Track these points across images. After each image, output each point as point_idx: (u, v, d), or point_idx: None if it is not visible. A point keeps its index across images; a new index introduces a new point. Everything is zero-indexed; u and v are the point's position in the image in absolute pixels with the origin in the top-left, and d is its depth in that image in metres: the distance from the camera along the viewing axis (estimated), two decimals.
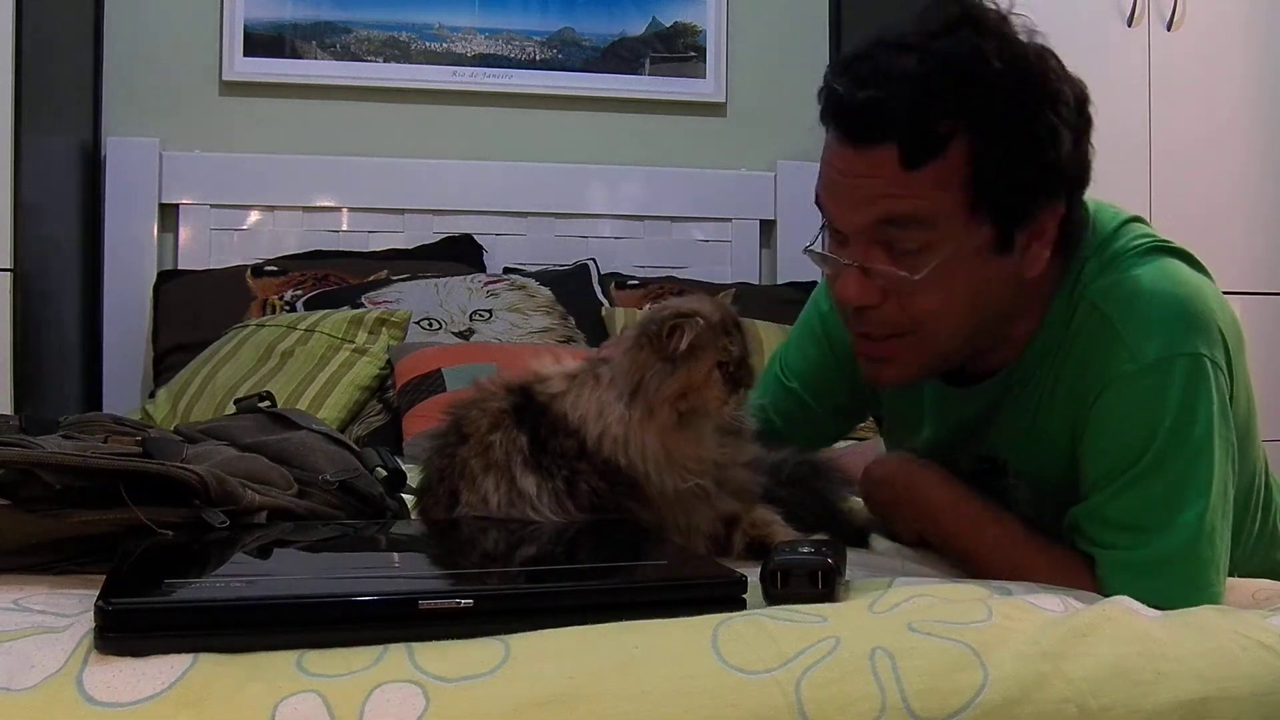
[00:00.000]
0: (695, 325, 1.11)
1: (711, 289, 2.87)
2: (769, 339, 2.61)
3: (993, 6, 1.10)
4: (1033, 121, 1.07)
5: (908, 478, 1.25)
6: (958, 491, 1.21)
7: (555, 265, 2.98)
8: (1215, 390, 1.09)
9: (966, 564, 1.17)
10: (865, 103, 1.06)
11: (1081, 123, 1.11)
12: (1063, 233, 1.14)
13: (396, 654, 0.75)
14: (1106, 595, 1.02)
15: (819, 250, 1.18)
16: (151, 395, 2.53)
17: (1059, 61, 1.12)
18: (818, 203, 1.16)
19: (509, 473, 1.12)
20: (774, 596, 0.91)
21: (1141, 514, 1.08)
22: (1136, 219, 1.22)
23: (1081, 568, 1.09)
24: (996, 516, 1.17)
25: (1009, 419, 1.23)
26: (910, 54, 1.06)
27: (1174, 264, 1.16)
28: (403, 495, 1.28)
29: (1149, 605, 0.99)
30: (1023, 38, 1.10)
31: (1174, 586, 1.05)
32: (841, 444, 1.76)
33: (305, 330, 2.47)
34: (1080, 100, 1.11)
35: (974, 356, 1.21)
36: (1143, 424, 1.08)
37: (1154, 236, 1.19)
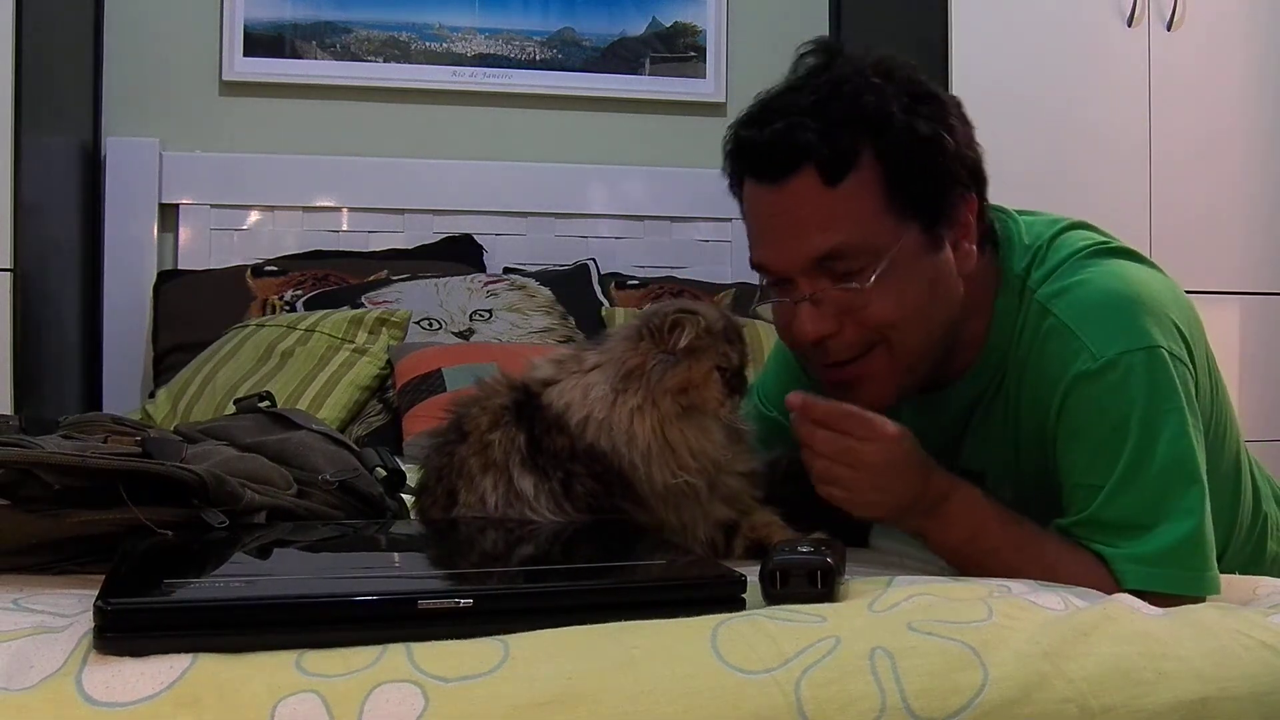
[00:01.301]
0: (697, 324, 1.13)
1: (711, 289, 2.87)
2: (769, 340, 2.61)
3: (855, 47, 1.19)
4: (922, 122, 1.13)
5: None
6: (989, 508, 1.17)
7: (555, 265, 2.98)
8: (1178, 380, 1.10)
9: (989, 568, 1.11)
10: (775, 136, 1.13)
11: (961, 125, 1.18)
12: (982, 228, 1.20)
13: (396, 654, 0.75)
14: (1123, 590, 1.03)
15: (768, 300, 1.22)
16: (151, 395, 2.53)
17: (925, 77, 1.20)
18: (754, 264, 1.21)
19: (507, 472, 1.13)
20: (773, 596, 0.91)
21: (1138, 512, 1.09)
22: (1079, 224, 1.25)
23: (1101, 566, 1.09)
24: (1017, 519, 1.16)
25: (980, 429, 1.24)
26: (800, 91, 1.14)
27: (1120, 263, 1.18)
28: (402, 495, 1.28)
29: (1162, 594, 1.01)
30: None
31: (1185, 574, 1.06)
32: None
33: (305, 330, 2.47)
34: (957, 106, 1.19)
35: (938, 365, 1.22)
36: (1113, 423, 1.09)
37: (1097, 240, 1.21)
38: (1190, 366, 1.13)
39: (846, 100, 1.13)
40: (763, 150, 1.15)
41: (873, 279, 1.12)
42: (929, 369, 1.21)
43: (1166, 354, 1.10)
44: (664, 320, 1.14)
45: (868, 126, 1.12)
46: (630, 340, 1.15)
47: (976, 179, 1.19)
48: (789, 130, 1.12)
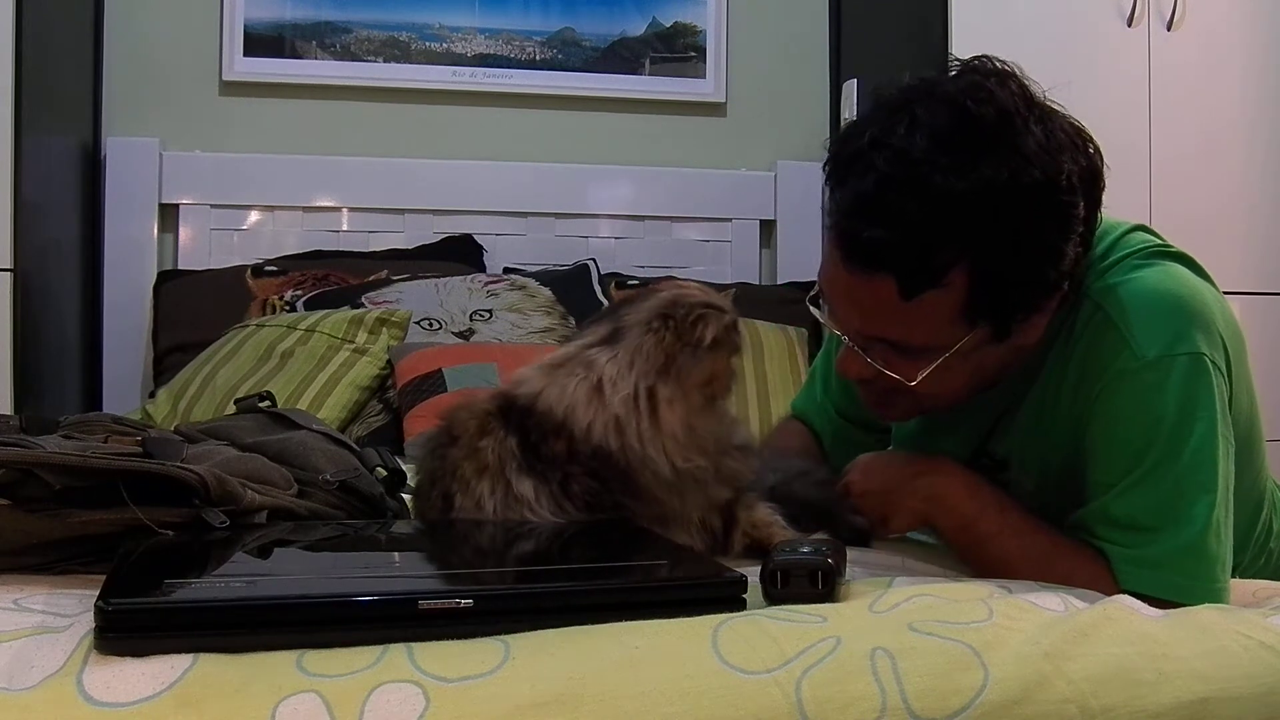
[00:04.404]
0: (721, 319, 1.16)
1: (712, 289, 2.87)
2: (769, 339, 2.61)
3: (1009, 93, 1.07)
4: (1038, 246, 1.06)
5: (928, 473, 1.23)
6: (989, 493, 1.19)
7: (555, 265, 2.98)
8: (1215, 389, 1.09)
9: (991, 566, 1.13)
10: (870, 244, 1.05)
11: (1090, 212, 1.09)
12: (1072, 291, 1.14)
13: (396, 654, 0.75)
14: (1121, 591, 1.03)
15: (823, 318, 1.21)
16: (151, 395, 2.53)
17: (1071, 138, 1.08)
18: (819, 287, 1.18)
19: (504, 477, 1.12)
20: (774, 596, 0.92)
21: (1148, 513, 1.08)
22: (1141, 227, 1.23)
23: (1101, 561, 1.10)
24: (1018, 506, 1.17)
25: (1015, 419, 1.24)
26: (916, 194, 1.03)
27: (1176, 267, 1.17)
28: (403, 495, 1.28)
29: (1161, 599, 1.00)
30: (1036, 125, 1.05)
31: (1184, 581, 1.06)
32: None
33: (305, 330, 2.47)
34: (1090, 179, 1.09)
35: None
36: (1144, 422, 1.09)
37: (1156, 242, 1.21)
38: (1228, 379, 1.12)
39: (961, 217, 1.03)
40: (851, 242, 1.08)
41: (920, 377, 1.12)
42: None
43: (1209, 361, 1.09)
44: (690, 311, 1.15)
45: (970, 248, 1.04)
46: (652, 335, 1.15)
47: (1083, 263, 1.11)
48: (885, 243, 1.05)
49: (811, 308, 1.23)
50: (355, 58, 3.06)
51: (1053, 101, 1.11)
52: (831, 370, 1.46)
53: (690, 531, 1.16)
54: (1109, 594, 1.00)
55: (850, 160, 1.07)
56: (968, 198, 1.02)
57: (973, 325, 1.09)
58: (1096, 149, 1.11)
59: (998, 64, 1.10)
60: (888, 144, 1.04)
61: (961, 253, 1.04)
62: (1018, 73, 1.10)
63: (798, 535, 1.12)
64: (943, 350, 1.10)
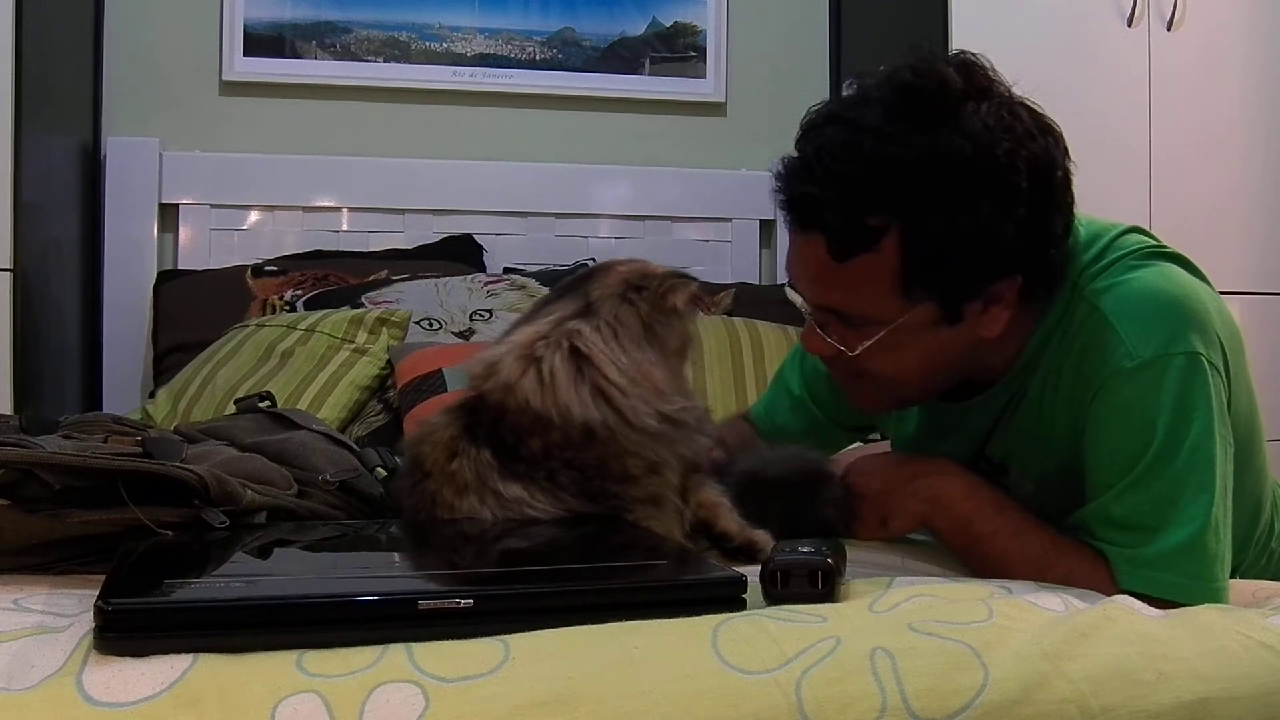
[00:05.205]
0: (688, 286, 1.19)
1: (712, 289, 2.87)
2: (769, 339, 2.61)
3: (963, 77, 1.10)
4: (970, 220, 1.07)
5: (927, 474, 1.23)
6: (987, 493, 1.19)
7: (555, 265, 2.98)
8: (1212, 388, 1.09)
9: (990, 566, 1.14)
10: (801, 199, 1.12)
11: (1040, 199, 1.09)
12: (1034, 286, 1.14)
13: (396, 654, 0.75)
14: (1120, 591, 1.03)
15: (797, 298, 1.24)
16: (151, 395, 2.53)
17: (1027, 127, 1.10)
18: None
19: (491, 488, 1.12)
20: (774, 596, 0.92)
21: (1145, 513, 1.09)
22: (1136, 229, 1.24)
23: (1100, 561, 1.10)
24: (1016, 506, 1.17)
25: (1013, 422, 1.24)
26: (851, 157, 1.07)
27: (1171, 268, 1.17)
28: None
29: (1160, 599, 1.00)
30: (986, 108, 1.08)
31: (1183, 580, 1.06)
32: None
33: (305, 330, 2.46)
34: (1043, 167, 1.09)
35: (950, 390, 1.24)
36: (1141, 422, 1.09)
37: (1152, 243, 1.21)
38: (1226, 379, 1.12)
39: (892, 181, 1.06)
40: (789, 203, 1.14)
41: (861, 348, 1.14)
42: (936, 395, 1.24)
43: (1205, 361, 1.09)
44: (661, 282, 1.18)
45: (901, 214, 1.07)
46: (630, 305, 1.17)
47: (1030, 258, 1.11)
48: (816, 199, 1.09)
49: (788, 289, 1.26)
50: (355, 58, 3.05)
51: (1030, 101, 1.14)
52: (811, 363, 1.46)
53: (673, 501, 1.17)
54: (1108, 594, 1.01)
55: (807, 131, 1.13)
56: (900, 164, 1.06)
57: (913, 300, 1.11)
58: (1064, 147, 1.13)
59: (970, 56, 1.14)
60: (842, 116, 1.10)
61: (892, 218, 1.07)
62: (988, 66, 1.14)
63: (740, 520, 1.17)
64: (886, 323, 1.12)
